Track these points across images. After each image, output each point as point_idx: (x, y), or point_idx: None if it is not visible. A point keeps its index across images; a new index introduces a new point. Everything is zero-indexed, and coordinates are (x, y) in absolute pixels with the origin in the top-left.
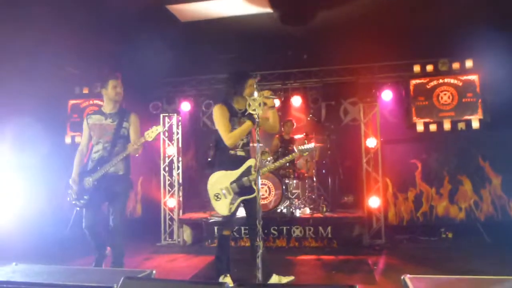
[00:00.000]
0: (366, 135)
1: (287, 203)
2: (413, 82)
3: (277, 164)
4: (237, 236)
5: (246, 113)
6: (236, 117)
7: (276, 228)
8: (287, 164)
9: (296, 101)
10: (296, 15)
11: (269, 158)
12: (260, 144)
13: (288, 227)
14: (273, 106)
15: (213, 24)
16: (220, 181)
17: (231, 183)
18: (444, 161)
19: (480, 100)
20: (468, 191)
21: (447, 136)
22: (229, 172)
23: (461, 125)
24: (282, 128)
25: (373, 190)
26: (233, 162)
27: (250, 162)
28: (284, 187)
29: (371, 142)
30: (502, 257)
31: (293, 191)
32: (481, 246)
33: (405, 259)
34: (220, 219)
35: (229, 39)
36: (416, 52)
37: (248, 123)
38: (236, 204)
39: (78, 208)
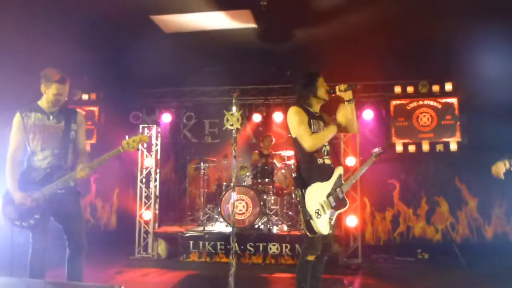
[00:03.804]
0: (345, 153)
1: (264, 219)
2: (394, 102)
3: (361, 170)
4: (213, 251)
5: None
6: (314, 119)
7: (252, 244)
8: (266, 180)
9: (278, 117)
10: (280, 32)
11: (248, 173)
12: (239, 159)
13: (265, 244)
14: (351, 100)
15: (197, 36)
16: (318, 195)
17: (328, 197)
18: (422, 182)
19: (458, 123)
20: (445, 213)
21: (426, 157)
22: (324, 183)
23: (440, 147)
24: (261, 144)
25: (351, 209)
26: (324, 172)
27: (339, 170)
28: (262, 203)
29: (351, 161)
30: (476, 281)
31: (271, 207)
32: (457, 268)
33: (381, 280)
34: (196, 233)
35: (213, 52)
36: (397, 73)
37: (333, 127)
38: (334, 220)
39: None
